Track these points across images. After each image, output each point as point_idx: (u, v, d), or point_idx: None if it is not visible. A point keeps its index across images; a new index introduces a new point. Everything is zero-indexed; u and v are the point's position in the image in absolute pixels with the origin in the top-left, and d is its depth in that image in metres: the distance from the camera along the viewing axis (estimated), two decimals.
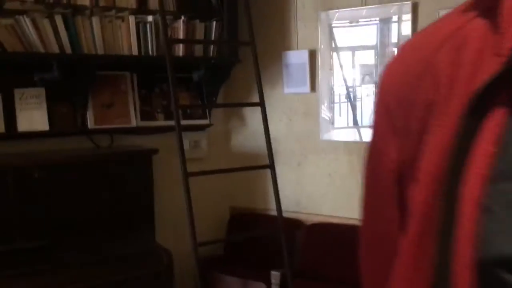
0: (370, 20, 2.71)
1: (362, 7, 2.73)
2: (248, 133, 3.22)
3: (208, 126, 3.10)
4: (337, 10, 2.81)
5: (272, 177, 2.58)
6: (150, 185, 2.63)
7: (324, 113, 2.91)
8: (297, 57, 2.96)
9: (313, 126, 2.95)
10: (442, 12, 2.50)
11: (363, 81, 2.78)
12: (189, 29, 2.81)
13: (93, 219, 2.45)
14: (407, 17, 2.55)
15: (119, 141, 2.81)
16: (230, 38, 2.87)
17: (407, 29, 2.57)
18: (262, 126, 2.57)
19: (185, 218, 2.31)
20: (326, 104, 2.90)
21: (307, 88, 2.94)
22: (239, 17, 2.91)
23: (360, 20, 2.76)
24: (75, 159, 2.50)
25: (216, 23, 2.87)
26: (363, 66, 2.80)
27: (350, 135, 2.86)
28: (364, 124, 2.79)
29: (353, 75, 2.82)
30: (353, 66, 2.82)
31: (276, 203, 2.60)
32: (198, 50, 2.86)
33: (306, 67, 2.93)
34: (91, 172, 2.47)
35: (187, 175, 2.35)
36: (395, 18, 2.62)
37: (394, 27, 2.64)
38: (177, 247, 2.66)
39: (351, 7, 2.76)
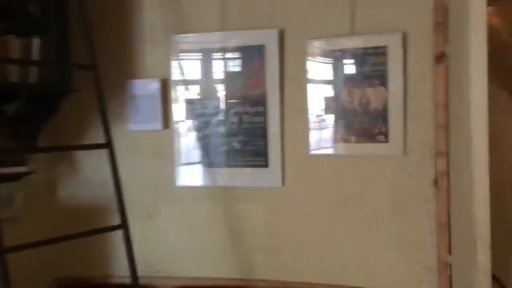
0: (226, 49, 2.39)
1: (219, 32, 2.39)
2: (80, 181, 2.55)
3: (26, 174, 2.36)
4: (190, 35, 2.43)
5: (124, 238, 2.01)
6: None
7: (180, 154, 2.45)
8: (145, 88, 2.46)
9: (166, 169, 2.46)
10: (312, 43, 2.31)
11: (226, 116, 2.40)
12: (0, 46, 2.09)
13: None
14: (274, 44, 2.30)
15: None
16: (61, 60, 2.22)
17: (274, 57, 2.31)
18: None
19: None
20: (182, 144, 2.45)
21: (158, 125, 2.45)
22: (70, 35, 2.29)
23: (215, 47, 2.41)
24: None
25: (39, 41, 2.20)
26: (216, 100, 2.42)
27: (210, 179, 2.44)
28: (218, 165, 2.40)
29: (209, 110, 2.43)
30: (212, 99, 2.42)
31: (131, 269, 2.04)
32: (13, 73, 2.14)
33: (157, 99, 2.44)
34: None
35: (3, 251, 1.63)
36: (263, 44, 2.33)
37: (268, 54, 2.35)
38: None
39: (207, 31, 2.41)
